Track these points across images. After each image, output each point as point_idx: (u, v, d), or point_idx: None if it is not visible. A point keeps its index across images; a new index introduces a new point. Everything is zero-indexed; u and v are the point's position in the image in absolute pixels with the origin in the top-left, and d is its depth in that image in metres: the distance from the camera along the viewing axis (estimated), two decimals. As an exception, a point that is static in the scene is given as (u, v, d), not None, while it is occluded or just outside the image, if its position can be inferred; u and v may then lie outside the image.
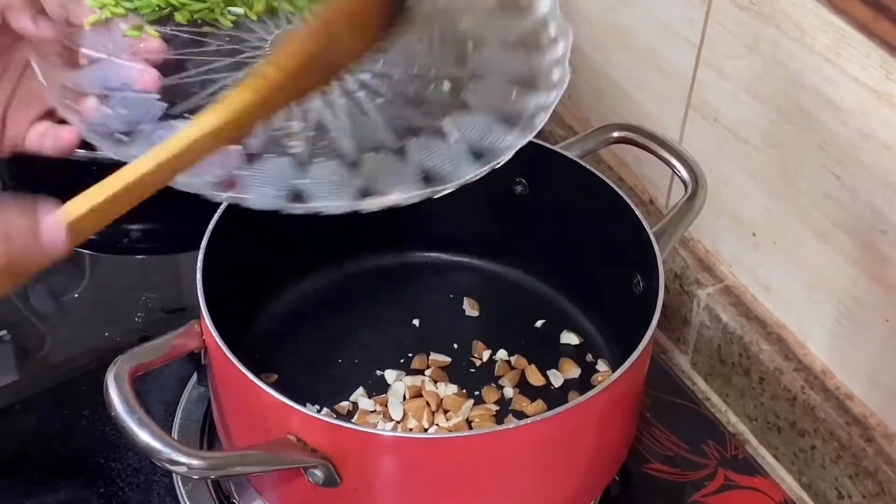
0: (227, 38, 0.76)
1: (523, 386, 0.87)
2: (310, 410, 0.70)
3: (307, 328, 0.90)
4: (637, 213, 0.82)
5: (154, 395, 0.88)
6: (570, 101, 1.08)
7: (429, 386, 0.86)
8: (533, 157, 0.87)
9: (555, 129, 1.07)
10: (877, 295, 0.81)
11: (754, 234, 0.91)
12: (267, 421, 0.71)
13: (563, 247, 0.91)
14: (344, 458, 0.70)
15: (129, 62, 0.71)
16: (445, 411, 0.84)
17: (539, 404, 0.85)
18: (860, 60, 0.76)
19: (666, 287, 0.77)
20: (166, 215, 1.00)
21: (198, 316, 0.74)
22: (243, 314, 0.88)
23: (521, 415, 0.85)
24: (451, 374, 0.87)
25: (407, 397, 0.85)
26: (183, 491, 0.83)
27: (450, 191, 0.72)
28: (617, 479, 0.85)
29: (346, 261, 0.94)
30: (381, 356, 0.88)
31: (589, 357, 0.89)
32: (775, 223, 0.88)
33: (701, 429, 0.90)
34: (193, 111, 0.69)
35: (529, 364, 0.88)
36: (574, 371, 0.88)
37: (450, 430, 0.83)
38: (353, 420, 0.83)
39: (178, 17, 0.76)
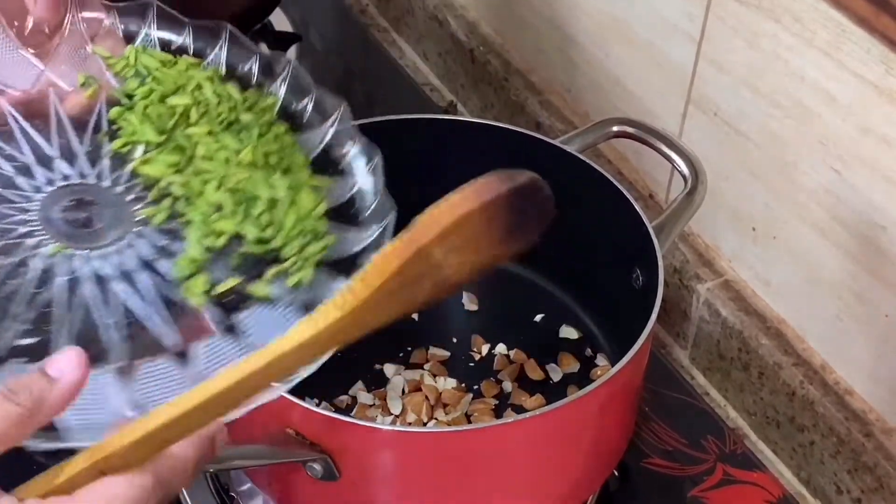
0: None
1: (522, 380, 0.87)
2: (308, 404, 0.70)
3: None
4: (636, 207, 0.82)
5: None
6: (569, 96, 1.08)
7: (428, 380, 0.86)
8: (532, 152, 0.87)
9: (554, 124, 1.07)
10: (876, 290, 0.81)
11: (754, 229, 0.91)
12: (265, 415, 0.71)
13: (563, 241, 0.90)
14: (343, 452, 0.70)
15: None
16: (444, 405, 0.84)
17: (538, 398, 0.85)
18: (860, 55, 0.76)
19: (665, 282, 0.77)
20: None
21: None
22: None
23: (520, 409, 0.85)
24: (450, 368, 0.88)
25: (406, 391, 0.85)
26: (182, 484, 0.83)
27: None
28: (616, 473, 0.85)
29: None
30: (379, 350, 0.88)
31: (588, 351, 0.90)
32: (775, 218, 0.88)
33: (700, 423, 0.91)
34: None
35: (528, 358, 0.88)
36: (573, 365, 0.88)
37: (449, 425, 0.83)
38: (351, 414, 0.83)
39: None
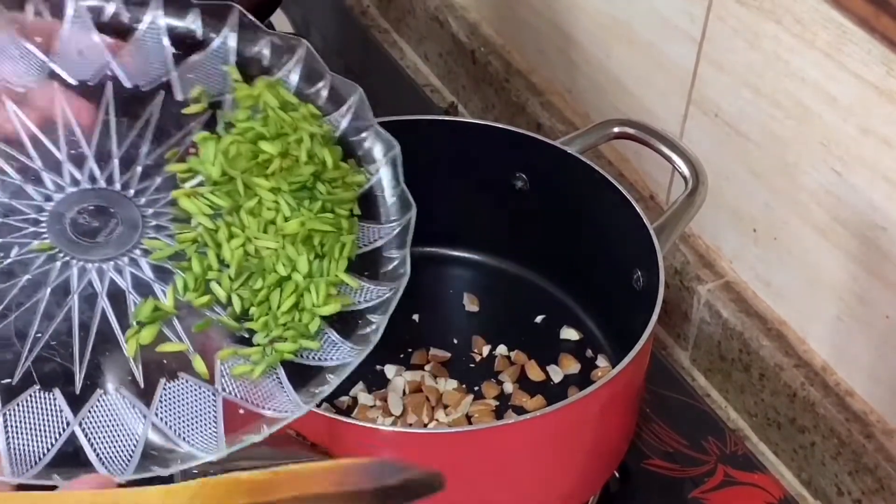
0: None
1: (523, 381, 0.87)
2: (309, 405, 0.70)
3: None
4: (637, 208, 0.82)
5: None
6: (570, 97, 1.08)
7: (428, 381, 0.86)
8: (533, 153, 0.88)
9: (555, 125, 1.07)
10: (877, 291, 0.81)
11: (755, 230, 0.91)
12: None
13: (564, 242, 0.91)
14: (343, 453, 0.70)
15: None
16: (445, 406, 0.84)
17: (539, 400, 0.85)
18: (861, 56, 0.76)
19: (666, 283, 0.77)
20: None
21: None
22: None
23: (520, 410, 0.85)
24: (451, 369, 0.88)
25: (407, 392, 0.85)
26: (182, 485, 0.83)
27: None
28: (616, 474, 0.85)
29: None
30: (380, 351, 0.87)
31: (589, 353, 0.90)
32: (776, 219, 0.88)
33: (701, 425, 0.91)
34: None
35: (529, 359, 0.88)
36: (574, 367, 0.88)
37: (449, 426, 0.83)
38: (352, 415, 0.83)
39: None
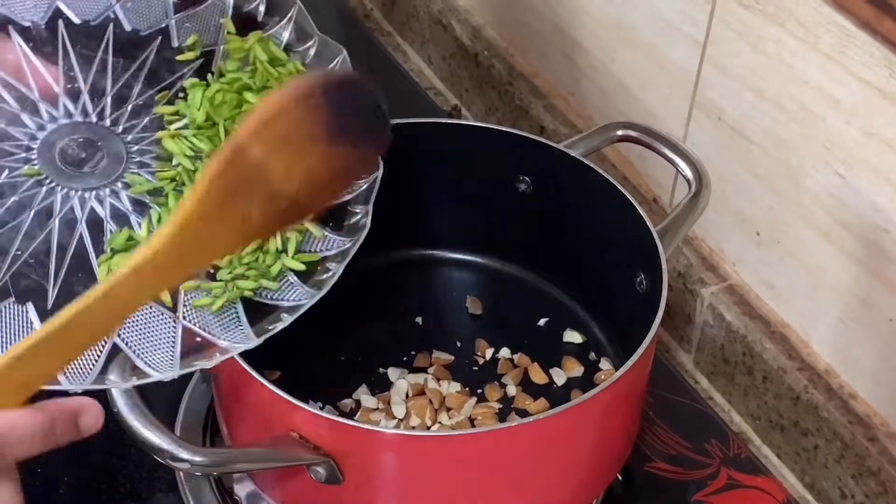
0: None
1: (526, 384, 0.87)
2: (312, 408, 0.70)
3: (310, 325, 0.90)
4: (641, 211, 0.82)
5: (157, 393, 0.87)
6: (573, 100, 1.08)
7: (431, 384, 0.86)
8: (537, 155, 0.88)
9: (558, 128, 1.07)
10: (881, 294, 0.81)
11: (758, 233, 0.91)
12: (269, 418, 0.71)
13: (567, 245, 0.91)
14: (346, 455, 0.70)
15: None
16: (448, 409, 0.84)
17: (542, 402, 0.85)
18: (864, 59, 0.76)
19: (669, 286, 0.77)
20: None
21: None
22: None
23: (523, 413, 0.85)
24: (454, 371, 0.88)
25: (410, 395, 0.85)
26: (186, 487, 0.83)
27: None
28: (619, 477, 0.85)
29: (349, 258, 0.94)
30: (383, 354, 0.88)
31: (592, 355, 0.89)
32: (779, 222, 0.88)
33: (704, 428, 0.91)
34: None
35: (532, 362, 0.88)
36: (577, 369, 0.88)
37: (452, 429, 0.83)
38: (355, 418, 0.83)
39: None
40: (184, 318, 0.70)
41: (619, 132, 0.88)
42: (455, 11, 1.20)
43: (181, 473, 0.84)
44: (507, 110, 1.14)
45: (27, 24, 0.74)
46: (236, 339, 0.70)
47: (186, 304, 0.71)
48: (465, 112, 1.21)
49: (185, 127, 0.74)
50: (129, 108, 0.75)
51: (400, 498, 0.73)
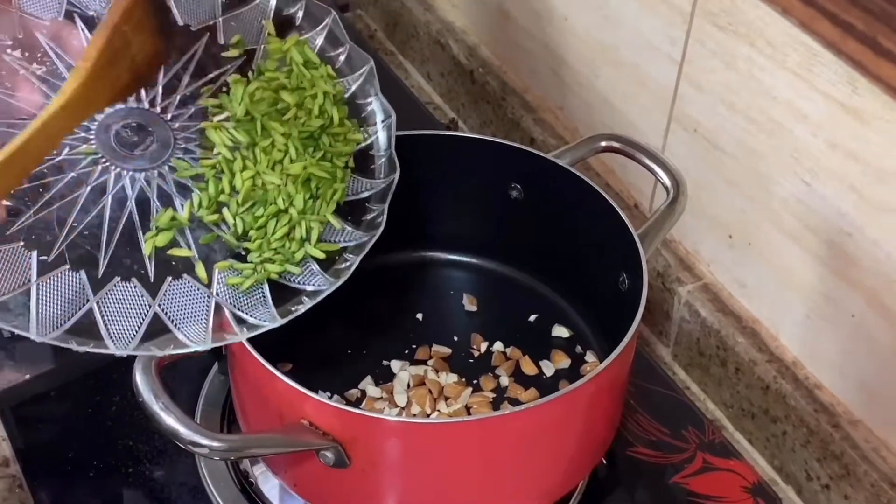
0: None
1: (518, 375, 0.87)
2: (321, 397, 0.70)
3: (320, 322, 0.90)
4: (623, 216, 0.82)
5: (178, 384, 0.88)
6: (561, 113, 1.08)
7: (431, 375, 0.86)
8: (527, 165, 0.88)
9: (547, 139, 1.07)
10: (843, 292, 0.81)
11: (731, 236, 0.91)
12: (282, 407, 0.71)
13: (555, 247, 0.91)
14: (353, 441, 0.70)
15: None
16: (446, 398, 0.84)
17: (532, 392, 0.85)
18: (829, 76, 0.76)
19: (649, 284, 0.77)
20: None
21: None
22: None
23: (515, 402, 0.85)
24: (452, 364, 0.87)
25: (411, 385, 0.85)
26: (205, 471, 0.83)
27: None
28: (604, 461, 0.85)
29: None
30: (387, 347, 0.88)
31: (578, 349, 0.89)
32: (750, 226, 0.88)
33: (681, 415, 0.90)
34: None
35: (523, 355, 0.88)
36: (565, 362, 0.88)
37: (450, 416, 0.83)
38: (361, 406, 0.83)
39: None
40: (217, 294, 0.72)
41: (603, 143, 0.88)
42: (452, 32, 1.20)
43: (201, 458, 0.84)
44: (500, 123, 1.14)
45: (91, 13, 0.76)
46: (263, 318, 0.72)
47: (220, 281, 0.73)
48: (462, 125, 1.21)
49: (227, 119, 0.76)
50: (178, 97, 0.76)
51: (402, 479, 0.73)
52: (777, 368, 0.87)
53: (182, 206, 0.73)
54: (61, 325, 0.67)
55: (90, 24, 0.76)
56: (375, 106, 0.82)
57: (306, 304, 0.73)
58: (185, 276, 0.72)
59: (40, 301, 0.67)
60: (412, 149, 0.83)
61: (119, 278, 0.70)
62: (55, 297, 0.68)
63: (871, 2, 0.69)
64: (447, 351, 0.88)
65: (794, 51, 0.78)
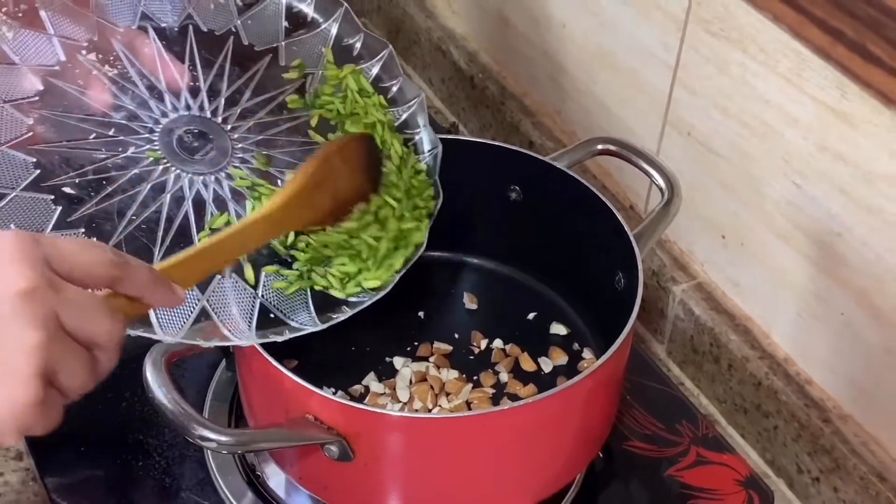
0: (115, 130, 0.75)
1: (517, 371, 0.87)
2: (326, 393, 0.70)
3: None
4: (619, 217, 0.82)
5: (187, 379, 0.88)
6: (559, 117, 1.08)
7: (432, 371, 0.86)
8: (526, 167, 0.88)
9: (545, 142, 1.07)
10: (833, 291, 0.81)
11: (724, 237, 0.91)
12: (288, 402, 0.71)
13: (554, 247, 0.91)
14: (357, 435, 0.70)
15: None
16: (447, 394, 0.84)
17: (531, 388, 0.85)
18: (818, 81, 0.76)
19: (644, 283, 0.77)
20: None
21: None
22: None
23: (514, 397, 0.85)
24: (453, 360, 0.88)
25: (413, 381, 0.85)
26: (213, 464, 0.83)
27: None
28: (600, 455, 0.85)
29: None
30: (389, 344, 0.88)
31: (576, 346, 0.89)
32: (743, 226, 0.88)
33: (676, 410, 0.90)
34: (60, 188, 0.70)
35: (522, 352, 0.88)
36: (562, 358, 0.88)
37: (451, 411, 0.83)
38: (365, 402, 0.83)
39: None
40: (262, 296, 0.74)
41: (600, 146, 0.88)
42: (453, 39, 1.20)
43: (209, 452, 0.84)
44: (499, 127, 1.14)
45: (163, 24, 0.78)
46: (304, 322, 0.73)
47: (266, 284, 0.74)
48: (462, 128, 1.21)
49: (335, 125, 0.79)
50: (238, 110, 0.78)
51: (405, 472, 0.73)
52: (769, 365, 0.87)
53: (236, 211, 0.75)
54: None
55: (162, 35, 0.78)
56: (424, 136, 0.84)
57: (346, 313, 0.74)
58: (233, 276, 0.74)
59: None
60: (414, 152, 0.83)
61: None
62: None
63: (860, 9, 0.69)
64: (448, 348, 0.88)
65: (785, 57, 0.78)
